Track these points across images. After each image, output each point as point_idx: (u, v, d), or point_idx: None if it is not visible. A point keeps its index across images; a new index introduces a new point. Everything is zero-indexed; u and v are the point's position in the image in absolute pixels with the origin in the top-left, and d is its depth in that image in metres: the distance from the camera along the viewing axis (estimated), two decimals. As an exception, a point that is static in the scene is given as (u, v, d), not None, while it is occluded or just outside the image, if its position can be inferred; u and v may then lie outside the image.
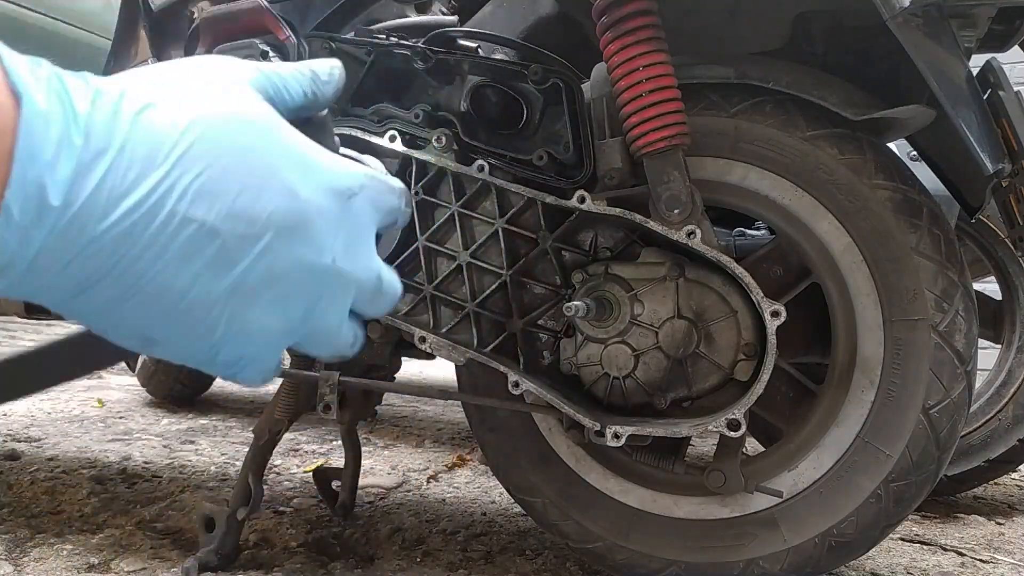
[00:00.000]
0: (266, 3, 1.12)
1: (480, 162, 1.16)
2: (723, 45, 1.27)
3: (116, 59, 1.57)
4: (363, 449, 1.69)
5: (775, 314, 1.04)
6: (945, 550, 1.55)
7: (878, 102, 1.10)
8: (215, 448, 2.21)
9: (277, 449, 1.54)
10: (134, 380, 3.05)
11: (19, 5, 2.20)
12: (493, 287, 1.19)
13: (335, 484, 1.59)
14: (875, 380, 1.10)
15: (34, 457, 2.03)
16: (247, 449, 1.39)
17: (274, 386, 1.42)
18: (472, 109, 1.21)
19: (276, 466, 2.01)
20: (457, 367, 1.28)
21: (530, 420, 1.28)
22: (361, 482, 1.65)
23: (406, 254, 1.22)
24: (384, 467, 2.05)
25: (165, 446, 2.21)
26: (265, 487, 1.49)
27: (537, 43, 1.23)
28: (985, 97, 1.04)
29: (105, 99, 0.35)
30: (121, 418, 2.61)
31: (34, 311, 1.41)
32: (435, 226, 1.21)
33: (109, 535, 1.46)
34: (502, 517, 1.66)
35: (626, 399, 1.16)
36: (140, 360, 2.83)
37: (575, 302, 1.09)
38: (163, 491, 1.75)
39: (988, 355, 1.75)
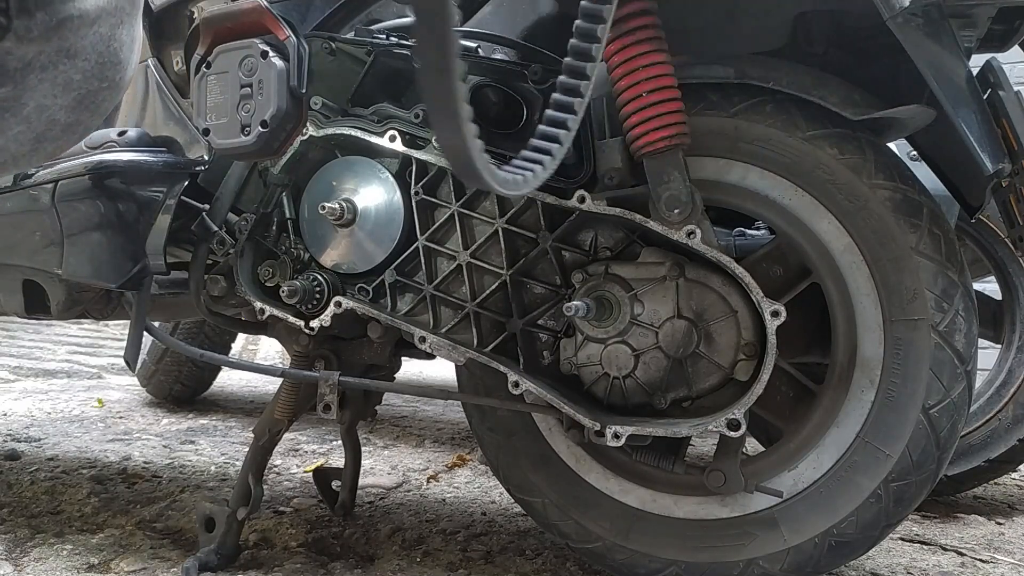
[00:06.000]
0: (266, 3, 1.12)
1: (480, 162, 1.16)
2: (723, 45, 1.27)
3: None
4: (363, 449, 1.70)
5: (775, 314, 1.04)
6: (945, 550, 1.55)
7: (878, 102, 1.10)
8: (215, 448, 2.21)
9: (277, 449, 1.55)
10: (134, 380, 3.05)
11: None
12: (493, 287, 1.19)
13: (335, 484, 1.59)
14: (875, 380, 1.10)
15: (34, 457, 2.03)
16: (247, 449, 1.39)
17: (274, 386, 1.42)
18: (472, 109, 1.21)
19: (276, 466, 2.01)
20: (457, 367, 1.28)
21: (530, 420, 1.28)
22: (361, 482, 1.65)
23: (406, 254, 1.22)
24: (384, 467, 2.05)
25: (165, 446, 2.21)
26: (265, 487, 1.49)
27: (537, 43, 1.23)
28: (985, 97, 1.04)
29: None
30: (121, 418, 2.61)
31: (34, 311, 1.41)
32: (435, 226, 1.21)
33: (109, 535, 1.46)
34: (502, 517, 1.66)
35: (626, 399, 1.16)
36: (140, 360, 2.83)
37: (575, 302, 1.09)
38: (163, 491, 1.75)
39: (988, 355, 1.75)
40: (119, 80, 0.63)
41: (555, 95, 0.68)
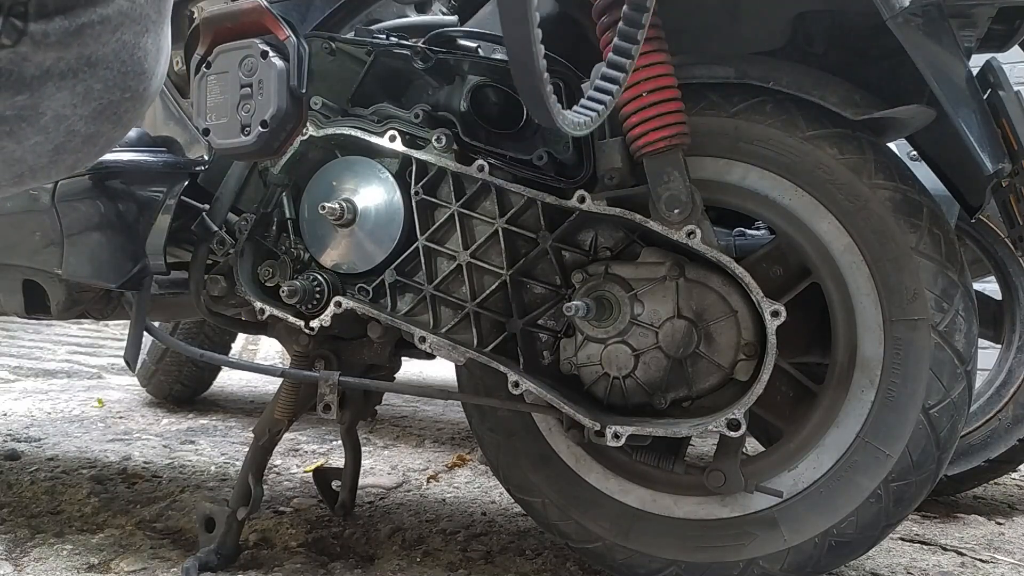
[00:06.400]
0: (266, 3, 1.11)
1: (480, 162, 1.16)
2: (723, 45, 1.27)
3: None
4: (363, 449, 1.69)
5: (775, 314, 1.04)
6: (945, 550, 1.55)
7: (878, 102, 1.10)
8: (215, 448, 2.21)
9: (277, 449, 1.55)
10: (134, 380, 3.05)
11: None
12: (493, 287, 1.19)
13: (335, 484, 1.59)
14: (875, 380, 1.10)
15: (34, 457, 2.03)
16: (247, 449, 1.39)
17: (274, 386, 1.42)
18: (472, 109, 1.21)
19: (276, 466, 2.01)
20: (457, 367, 1.28)
21: (530, 420, 1.28)
22: (361, 482, 1.65)
23: (406, 254, 1.22)
24: (384, 467, 2.05)
25: (165, 446, 2.21)
26: (265, 487, 1.49)
27: (537, 43, 1.23)
28: (985, 97, 1.04)
29: None
30: (121, 418, 2.61)
31: (34, 311, 1.41)
32: (435, 226, 1.21)
33: (109, 535, 1.46)
34: (502, 517, 1.66)
35: (626, 399, 1.16)
36: (140, 360, 2.82)
37: (575, 302, 1.09)
38: (163, 491, 1.75)
39: (988, 355, 1.75)
40: (143, 91, 0.61)
41: (610, 56, 0.76)
